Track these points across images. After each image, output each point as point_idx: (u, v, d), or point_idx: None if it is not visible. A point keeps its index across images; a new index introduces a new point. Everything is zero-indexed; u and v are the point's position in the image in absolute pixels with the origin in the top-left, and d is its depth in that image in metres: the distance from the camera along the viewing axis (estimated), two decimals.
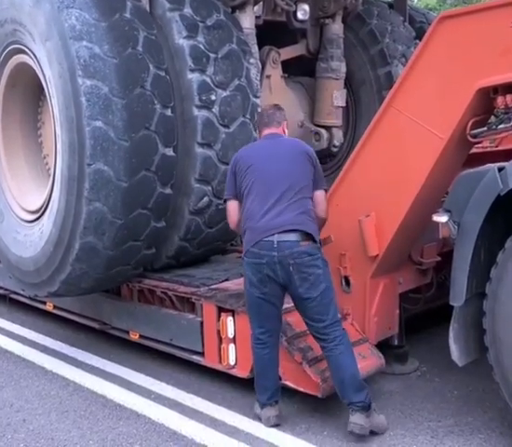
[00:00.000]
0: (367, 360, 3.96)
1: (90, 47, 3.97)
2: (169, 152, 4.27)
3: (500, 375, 3.32)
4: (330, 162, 6.38)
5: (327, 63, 5.83)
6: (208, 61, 4.40)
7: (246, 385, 4.11)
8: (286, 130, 3.92)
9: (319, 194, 3.75)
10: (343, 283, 4.16)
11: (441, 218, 3.47)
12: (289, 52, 5.87)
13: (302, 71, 6.23)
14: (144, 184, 4.17)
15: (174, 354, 4.62)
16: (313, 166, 3.71)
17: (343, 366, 3.59)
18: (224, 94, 4.45)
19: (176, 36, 4.38)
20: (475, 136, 3.58)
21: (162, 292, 4.67)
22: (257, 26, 5.31)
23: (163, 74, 4.23)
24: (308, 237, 3.56)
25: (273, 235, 3.53)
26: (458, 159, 3.91)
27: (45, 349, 5.37)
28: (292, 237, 3.54)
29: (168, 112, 4.24)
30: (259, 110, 4.68)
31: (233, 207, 3.80)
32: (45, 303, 5.93)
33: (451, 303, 3.47)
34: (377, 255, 3.96)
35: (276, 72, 5.68)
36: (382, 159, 3.94)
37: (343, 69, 5.86)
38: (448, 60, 3.61)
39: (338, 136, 6.00)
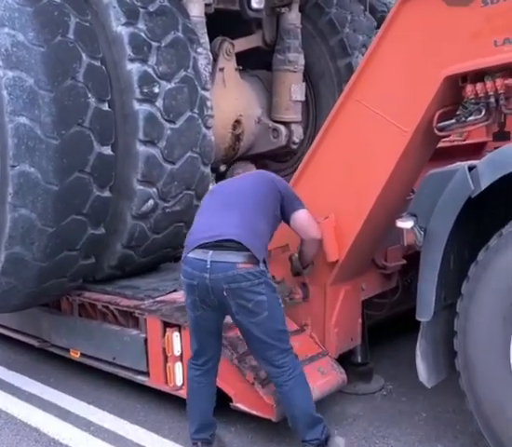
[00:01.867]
0: (327, 376, 3.59)
1: (13, 34, 3.53)
2: (107, 150, 3.84)
3: (473, 403, 2.93)
4: (290, 160, 5.99)
5: (283, 55, 5.43)
6: (149, 51, 3.97)
7: None
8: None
9: (299, 214, 3.37)
10: (301, 291, 3.80)
11: (405, 224, 3.09)
12: (243, 43, 5.46)
13: (258, 64, 5.84)
14: (78, 187, 3.74)
15: (117, 374, 4.19)
16: (279, 191, 3.35)
17: (295, 402, 3.19)
18: (169, 86, 4.03)
19: (114, 23, 3.94)
20: (442, 129, 3.23)
21: (103, 306, 4.24)
22: (208, 15, 4.90)
23: (98, 64, 3.80)
24: (250, 257, 3.05)
25: (207, 251, 3.06)
26: (424, 155, 3.56)
27: None
28: (229, 257, 3.03)
29: (105, 106, 3.81)
30: (208, 103, 4.28)
31: None
32: None
33: (418, 318, 3.10)
34: (337, 261, 3.60)
35: (229, 64, 5.27)
36: (341, 155, 3.58)
37: (302, 61, 5.47)
38: (411, 44, 3.24)
39: (297, 132, 5.60)
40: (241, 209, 3.19)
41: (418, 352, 3.12)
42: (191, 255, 3.11)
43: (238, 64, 5.45)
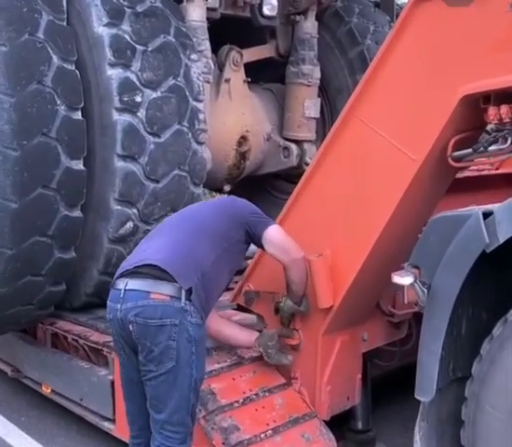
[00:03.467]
0: (311, 445, 3.05)
1: None
2: (77, 165, 3.41)
3: None
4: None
5: (297, 67, 4.96)
6: (133, 55, 3.55)
7: None
8: None
9: (269, 233, 2.93)
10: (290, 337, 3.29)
11: (403, 279, 2.47)
12: (254, 53, 5.02)
13: (273, 76, 5.39)
14: (41, 205, 3.31)
15: (84, 417, 3.73)
16: (243, 217, 2.94)
17: None
18: (154, 95, 3.59)
19: (95, 23, 3.53)
20: (458, 159, 2.69)
21: (73, 339, 3.79)
22: (215, 21, 4.50)
23: (71, 67, 3.39)
24: (170, 288, 2.56)
25: (124, 280, 2.61)
26: (438, 187, 3.03)
27: None
28: (144, 284, 2.56)
29: (76, 115, 3.39)
30: (200, 116, 3.84)
31: None
32: None
33: (418, 396, 2.48)
34: (331, 307, 3.08)
35: (237, 75, 4.82)
36: (339, 183, 3.09)
37: (317, 74, 4.99)
38: (423, 57, 2.73)
39: (310, 152, 5.08)
40: (179, 232, 2.77)
41: (417, 438, 2.56)
42: (112, 286, 2.71)
43: (251, 76, 5.02)
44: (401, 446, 3.65)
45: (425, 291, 2.44)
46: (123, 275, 2.66)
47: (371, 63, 2.94)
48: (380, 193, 2.91)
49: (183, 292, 2.56)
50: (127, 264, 2.71)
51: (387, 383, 3.88)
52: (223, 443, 2.87)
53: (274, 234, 2.93)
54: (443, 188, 3.07)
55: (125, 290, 2.59)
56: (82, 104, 3.41)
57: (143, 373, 2.61)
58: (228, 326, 3.28)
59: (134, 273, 2.62)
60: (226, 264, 2.87)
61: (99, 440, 3.83)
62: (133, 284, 2.59)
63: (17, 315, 3.65)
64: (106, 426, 3.51)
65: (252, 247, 3.15)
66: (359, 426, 3.61)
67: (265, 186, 5.63)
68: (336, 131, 3.06)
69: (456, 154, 2.68)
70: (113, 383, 3.42)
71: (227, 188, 5.08)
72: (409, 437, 3.67)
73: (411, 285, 2.46)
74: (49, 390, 4.08)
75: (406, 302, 2.58)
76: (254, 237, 2.93)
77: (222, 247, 2.81)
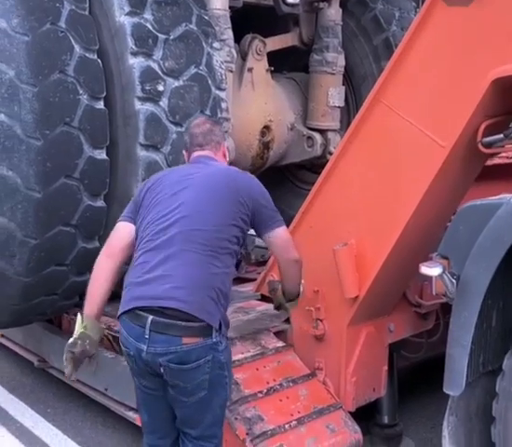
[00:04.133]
0: (337, 435, 3.02)
1: None
2: (100, 154, 3.40)
3: None
4: None
5: (321, 55, 4.89)
6: (155, 44, 3.52)
7: None
8: (227, 155, 2.93)
9: (279, 233, 2.68)
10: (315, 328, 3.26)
11: (432, 270, 2.40)
12: (277, 42, 4.97)
13: (297, 65, 5.34)
14: (65, 195, 3.31)
15: (110, 407, 3.74)
16: (248, 203, 2.58)
17: None
18: (176, 84, 3.56)
19: (117, 13, 3.50)
20: (489, 145, 2.63)
21: None
22: (237, 10, 4.47)
23: (93, 56, 3.37)
24: (200, 329, 2.39)
25: (146, 316, 2.38)
26: (467, 175, 2.98)
27: None
28: (172, 327, 2.36)
29: (99, 104, 3.37)
30: (223, 105, 3.81)
31: (125, 228, 2.67)
32: None
33: (446, 390, 2.43)
34: (357, 297, 3.04)
35: (260, 64, 4.77)
36: (365, 170, 3.04)
37: (341, 62, 4.92)
38: (452, 40, 2.67)
39: (335, 141, 5.01)
40: (188, 251, 2.44)
41: (445, 432, 2.51)
42: (126, 316, 2.48)
43: (274, 65, 4.97)
44: (428, 441, 3.64)
45: (454, 282, 2.39)
46: (143, 309, 2.41)
47: (398, 48, 2.90)
48: (407, 181, 2.86)
49: (215, 325, 2.43)
50: (138, 294, 2.46)
51: (414, 376, 3.83)
52: (247, 434, 2.86)
53: (284, 235, 2.72)
54: (472, 176, 3.02)
55: (150, 330, 2.38)
56: (104, 94, 3.40)
57: (172, 401, 2.53)
58: None
59: (157, 311, 2.39)
60: (231, 271, 2.60)
61: (124, 432, 3.85)
62: (160, 326, 2.38)
63: (42, 305, 3.66)
64: (131, 415, 3.50)
65: None
66: (386, 420, 3.57)
67: (289, 177, 5.58)
68: (361, 118, 3.01)
69: (486, 139, 2.63)
70: None
71: None
72: (436, 432, 3.64)
73: (440, 276, 2.41)
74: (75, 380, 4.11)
75: (434, 293, 2.54)
76: (256, 228, 2.71)
77: (229, 258, 2.53)
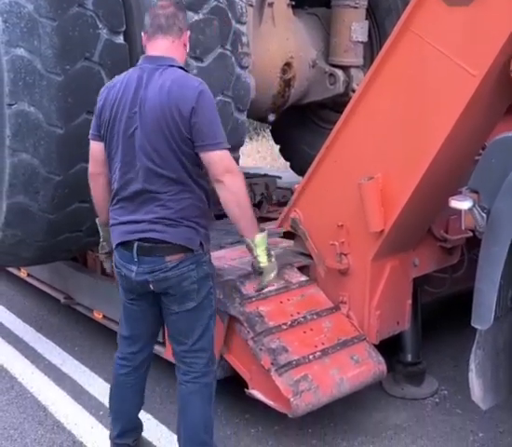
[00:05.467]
0: (361, 366, 3.06)
1: None
2: None
3: None
4: None
5: None
6: None
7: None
8: (187, 45, 2.81)
9: (211, 155, 2.57)
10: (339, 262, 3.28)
11: (462, 204, 2.39)
12: None
13: (318, 1, 5.22)
14: (87, 131, 3.27)
15: None
16: (191, 117, 2.52)
17: (186, 411, 2.80)
18: (196, 18, 3.49)
19: None
20: None
21: None
22: None
23: None
24: (181, 248, 2.63)
25: (132, 243, 2.66)
26: (498, 106, 2.92)
27: (8, 334, 4.72)
28: (155, 250, 2.63)
29: (119, 39, 3.33)
30: (244, 39, 3.74)
31: (96, 149, 2.82)
32: (19, 268, 5.26)
33: (474, 324, 2.45)
34: (382, 231, 3.04)
35: None
36: (393, 101, 2.98)
37: None
38: None
39: (358, 78, 4.93)
40: (158, 192, 2.60)
41: (472, 366, 2.54)
42: (117, 248, 2.75)
43: (295, 0, 4.86)
44: (451, 379, 3.69)
45: (485, 216, 2.38)
46: (130, 241, 2.67)
47: None
48: (436, 111, 2.81)
49: (196, 243, 2.66)
50: (126, 229, 2.68)
51: (437, 314, 3.85)
52: (272, 364, 2.91)
53: (214, 158, 2.58)
54: (503, 107, 2.96)
55: (137, 254, 2.65)
56: (124, 28, 3.35)
57: (165, 313, 2.78)
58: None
59: (141, 240, 2.65)
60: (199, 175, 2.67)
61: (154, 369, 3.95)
62: (145, 250, 2.64)
63: (66, 242, 3.70)
64: (156, 349, 3.58)
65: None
66: (409, 358, 3.61)
67: (310, 116, 5.53)
68: (389, 48, 2.93)
69: None
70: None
71: (271, 118, 5.01)
72: (459, 370, 3.72)
73: (470, 210, 2.39)
74: (101, 316, 4.21)
75: (463, 228, 2.53)
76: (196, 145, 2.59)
77: (193, 174, 2.64)
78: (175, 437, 3.23)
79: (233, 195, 2.61)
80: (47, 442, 3.34)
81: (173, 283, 2.66)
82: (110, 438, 3.04)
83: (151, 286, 2.69)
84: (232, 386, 3.46)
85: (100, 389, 3.79)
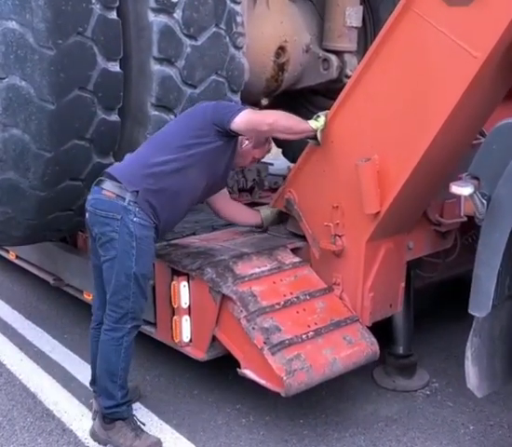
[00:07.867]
0: (353, 347, 3.06)
1: None
2: (113, 67, 3.33)
3: None
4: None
5: None
6: None
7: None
8: None
9: (235, 121, 3.08)
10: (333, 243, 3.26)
11: (463, 189, 2.36)
12: None
13: None
14: (79, 107, 3.25)
15: None
16: (207, 114, 3.21)
17: (98, 356, 3.14)
18: None
19: None
20: None
21: None
22: None
23: None
24: (117, 187, 3.01)
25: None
26: (498, 90, 2.90)
27: None
28: (103, 183, 3.06)
29: (112, 14, 3.28)
30: (238, 19, 3.71)
31: None
32: (8, 250, 5.22)
33: (472, 311, 2.44)
34: (377, 213, 3.02)
35: None
36: (392, 83, 2.94)
37: None
38: None
39: (352, 63, 4.87)
40: (143, 147, 3.21)
41: (468, 353, 2.53)
42: None
43: None
44: (442, 372, 3.70)
45: (485, 202, 2.36)
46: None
47: None
48: (436, 93, 2.77)
49: (128, 194, 2.97)
50: None
51: (429, 306, 3.83)
52: (265, 343, 2.89)
53: (238, 120, 3.04)
54: (503, 91, 2.94)
55: (93, 185, 3.12)
56: (117, 3, 3.29)
57: (99, 259, 3.09)
58: (236, 206, 3.73)
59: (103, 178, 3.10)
60: (197, 170, 3.11)
61: (139, 348, 3.91)
62: (97, 181, 3.11)
63: (57, 221, 3.66)
64: (147, 329, 3.56)
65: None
66: (400, 350, 3.62)
67: (303, 102, 5.49)
68: (390, 27, 2.89)
69: None
70: (154, 288, 3.47)
71: (264, 102, 4.96)
72: (450, 362, 3.73)
73: (470, 196, 2.37)
74: (91, 297, 4.16)
75: (462, 214, 2.52)
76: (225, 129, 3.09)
77: (185, 156, 3.05)
78: (166, 425, 3.25)
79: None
80: (37, 430, 3.31)
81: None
82: (89, 384, 3.42)
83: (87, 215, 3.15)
84: (223, 376, 3.46)
85: (89, 377, 3.75)
